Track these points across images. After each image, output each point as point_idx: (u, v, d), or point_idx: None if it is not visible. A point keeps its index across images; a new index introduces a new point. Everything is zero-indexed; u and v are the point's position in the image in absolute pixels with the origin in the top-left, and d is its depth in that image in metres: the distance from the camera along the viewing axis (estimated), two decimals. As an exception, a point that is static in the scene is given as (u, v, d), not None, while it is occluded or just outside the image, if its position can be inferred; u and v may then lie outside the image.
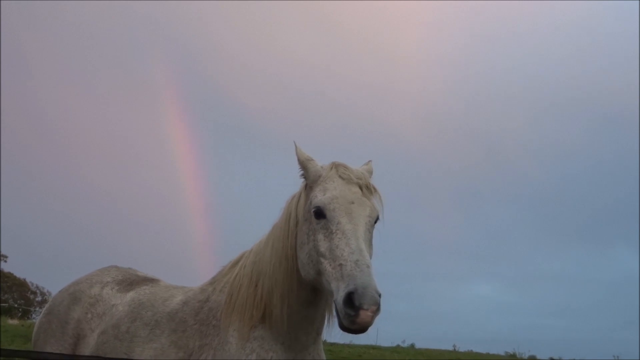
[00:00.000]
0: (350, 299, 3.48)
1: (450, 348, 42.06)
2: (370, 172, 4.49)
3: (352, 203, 3.98)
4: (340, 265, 3.67)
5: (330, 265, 3.76)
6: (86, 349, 5.09)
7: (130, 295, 5.27)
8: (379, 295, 3.51)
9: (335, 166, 4.22)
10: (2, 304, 56.07)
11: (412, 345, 42.53)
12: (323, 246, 3.88)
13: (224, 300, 4.59)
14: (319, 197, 4.04)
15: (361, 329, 3.52)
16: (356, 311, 3.45)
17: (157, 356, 4.59)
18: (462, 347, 42.69)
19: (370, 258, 3.91)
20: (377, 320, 3.54)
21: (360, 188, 4.11)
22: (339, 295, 3.57)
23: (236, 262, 4.87)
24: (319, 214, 3.98)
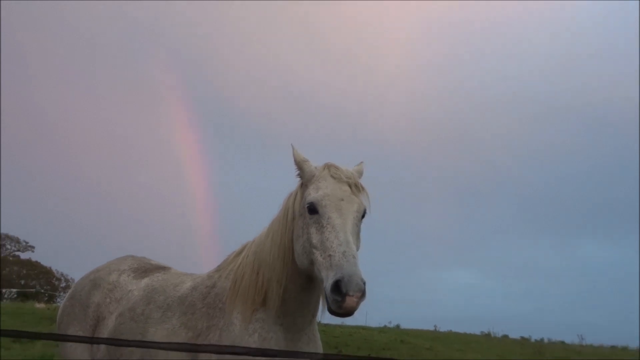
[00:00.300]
0: (337, 286, 3.53)
1: (432, 328, 42.11)
2: (361, 172, 4.53)
3: (342, 200, 4.04)
4: (330, 255, 3.72)
5: (321, 255, 3.81)
6: (105, 330, 5.11)
7: (145, 281, 5.30)
8: (364, 283, 3.55)
9: (328, 167, 4.28)
10: (30, 290, 56.03)
11: (398, 326, 42.58)
12: (315, 238, 3.93)
13: (229, 286, 4.62)
14: (313, 194, 4.09)
15: (347, 312, 3.56)
16: (343, 297, 3.50)
17: (169, 336, 4.61)
18: (443, 328, 42.74)
19: (358, 249, 3.97)
20: (365, 304, 3.57)
21: (350, 186, 4.15)
22: (328, 283, 3.61)
23: (240, 252, 4.90)
24: (312, 209, 4.03)
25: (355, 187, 4.18)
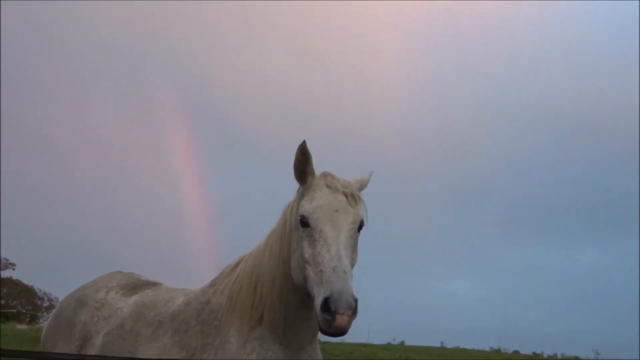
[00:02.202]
0: (326, 304, 3.51)
1: (438, 344, 41.96)
2: (364, 183, 4.50)
3: (336, 211, 4.00)
4: (321, 271, 3.71)
5: (313, 271, 3.80)
6: (92, 350, 5.08)
7: (134, 298, 5.26)
8: (355, 300, 3.53)
9: (324, 175, 4.24)
10: (10, 310, 55.85)
11: (402, 343, 42.47)
12: (307, 253, 3.91)
13: (225, 302, 4.59)
14: (305, 206, 4.07)
15: (338, 332, 3.53)
16: (332, 315, 3.48)
17: (160, 355, 4.58)
18: (450, 343, 42.58)
19: (355, 262, 3.97)
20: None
21: (346, 196, 4.11)
22: (318, 301, 3.60)
23: (236, 265, 4.87)
24: (304, 222, 4.01)
25: (352, 198, 4.14)
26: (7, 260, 64.50)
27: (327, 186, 4.14)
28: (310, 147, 4.20)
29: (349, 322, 3.51)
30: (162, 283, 5.62)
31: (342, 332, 3.53)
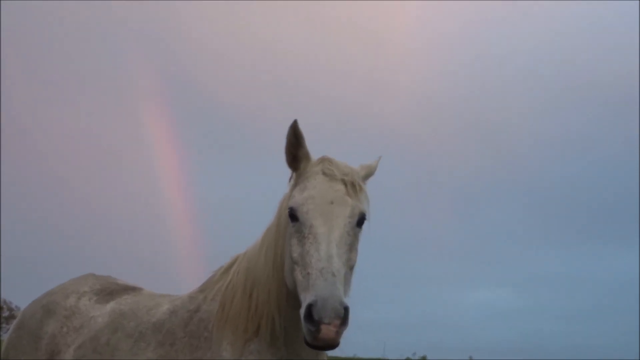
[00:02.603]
0: (310, 313, 3.45)
1: (466, 358, 42.13)
2: (371, 170, 4.48)
3: (331, 203, 3.95)
4: (308, 273, 3.66)
5: (301, 273, 3.76)
6: (62, 366, 5.05)
7: (111, 305, 5.25)
8: (344, 308, 3.46)
9: (322, 161, 4.20)
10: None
11: (424, 358, 42.63)
12: (295, 252, 3.87)
13: (217, 310, 4.58)
14: (296, 197, 4.04)
15: (325, 345, 3.49)
16: (316, 326, 3.42)
17: None
18: (478, 357, 42.73)
19: (352, 263, 3.92)
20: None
21: (345, 185, 4.06)
22: (302, 309, 3.56)
23: (229, 267, 4.86)
24: (293, 216, 3.97)
25: (352, 187, 4.08)
26: (-41, 264, 64.49)
27: (324, 173, 4.09)
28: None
29: (337, 334, 3.44)
30: (142, 288, 5.62)
31: (329, 345, 3.48)
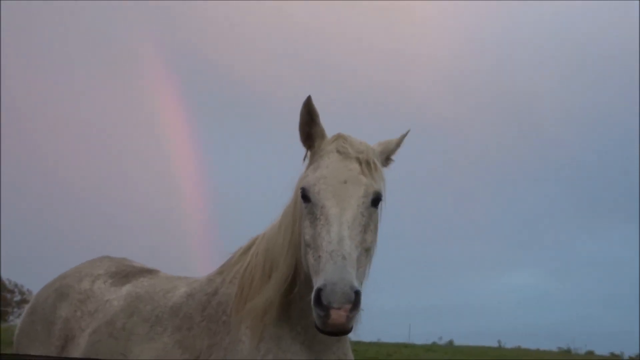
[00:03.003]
0: (319, 297, 3.45)
1: (495, 344, 42.06)
2: (391, 146, 4.44)
3: (345, 182, 3.94)
4: (319, 256, 3.65)
5: (313, 256, 3.76)
6: (76, 351, 5.11)
7: (126, 288, 5.29)
8: (355, 292, 3.45)
9: (337, 138, 4.19)
10: (-25, 306, 56.44)
11: (450, 342, 42.66)
12: (308, 234, 3.88)
13: (235, 293, 4.60)
14: (309, 176, 4.04)
15: (337, 331, 3.49)
16: (325, 311, 3.42)
17: (159, 357, 4.62)
18: (509, 343, 42.67)
19: (370, 245, 3.91)
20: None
21: (360, 164, 4.05)
22: (312, 293, 3.55)
23: (247, 249, 4.87)
24: (305, 196, 3.98)
25: (367, 165, 4.07)
26: (-32, 246, 64.86)
27: (338, 151, 4.09)
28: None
29: (348, 319, 3.44)
30: (159, 270, 5.66)
31: (340, 330, 3.48)
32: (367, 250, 3.89)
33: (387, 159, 4.42)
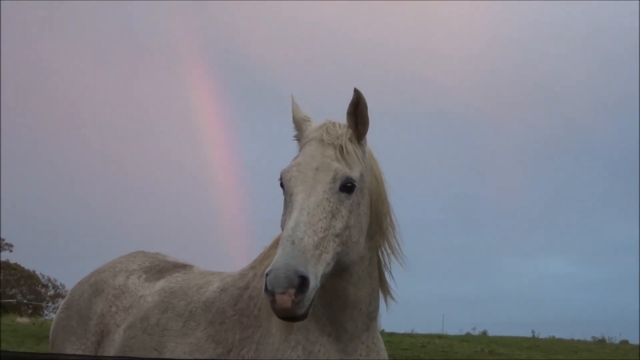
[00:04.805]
0: (266, 283, 3.53)
1: (529, 334, 41.82)
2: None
3: (316, 169, 4.01)
4: None
5: None
6: (111, 347, 5.19)
7: (160, 284, 5.35)
8: (300, 276, 3.50)
9: (321, 126, 4.28)
10: (10, 300, 56.73)
11: (484, 333, 42.48)
12: (282, 221, 4.00)
13: None
14: (289, 164, 4.15)
15: (285, 316, 3.57)
16: (272, 296, 3.48)
17: (192, 352, 4.67)
18: (543, 333, 42.39)
19: (340, 231, 3.91)
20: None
21: (335, 149, 4.11)
22: None
23: (277, 242, 4.89)
24: (281, 184, 4.10)
25: (341, 150, 4.11)
26: (4, 240, 65.03)
27: (317, 139, 4.19)
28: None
29: (294, 304, 3.49)
30: (193, 265, 5.71)
31: (288, 316, 3.57)
32: (336, 236, 3.90)
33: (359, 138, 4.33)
